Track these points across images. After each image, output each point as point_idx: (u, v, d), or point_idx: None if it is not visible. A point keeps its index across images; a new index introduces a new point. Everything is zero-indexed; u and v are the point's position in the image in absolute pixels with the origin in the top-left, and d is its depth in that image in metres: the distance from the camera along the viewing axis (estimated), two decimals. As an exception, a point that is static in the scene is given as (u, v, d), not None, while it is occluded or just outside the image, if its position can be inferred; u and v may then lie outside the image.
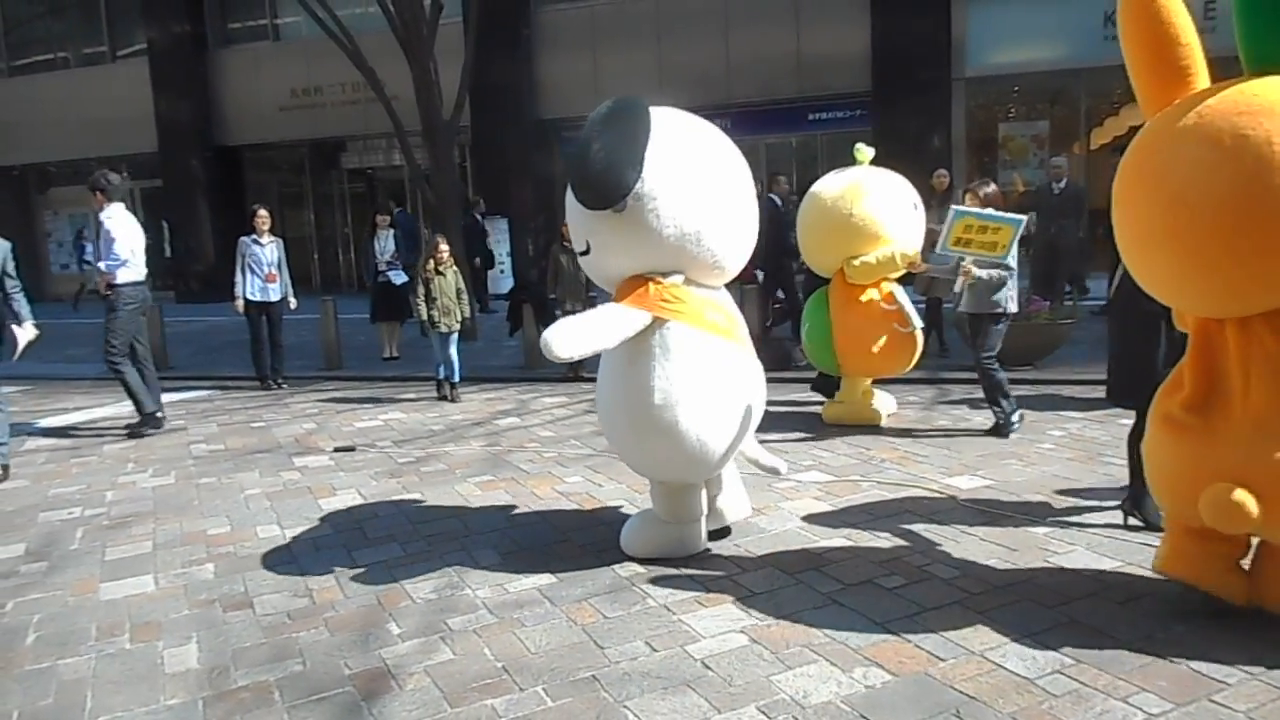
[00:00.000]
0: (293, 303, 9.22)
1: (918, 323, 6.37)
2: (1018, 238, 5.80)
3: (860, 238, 6.20)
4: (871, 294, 6.33)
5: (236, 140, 20.08)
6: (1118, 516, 4.40)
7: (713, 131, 4.14)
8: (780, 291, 9.99)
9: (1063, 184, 10.86)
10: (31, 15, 22.44)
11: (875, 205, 6.20)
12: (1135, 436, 4.07)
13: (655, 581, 3.94)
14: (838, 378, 6.78)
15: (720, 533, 4.41)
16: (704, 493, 4.23)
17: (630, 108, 3.88)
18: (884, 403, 6.79)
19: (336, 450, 6.60)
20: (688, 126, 4.10)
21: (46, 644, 3.65)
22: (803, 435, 6.41)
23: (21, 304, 6.44)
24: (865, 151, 6.55)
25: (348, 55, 11.63)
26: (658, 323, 3.85)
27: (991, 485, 5.05)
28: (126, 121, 19.87)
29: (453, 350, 8.26)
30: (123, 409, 8.57)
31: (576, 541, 4.49)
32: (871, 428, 6.51)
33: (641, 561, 4.16)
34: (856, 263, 6.22)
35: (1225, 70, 3.43)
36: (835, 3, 15.59)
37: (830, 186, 6.45)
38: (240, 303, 9.01)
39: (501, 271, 15.95)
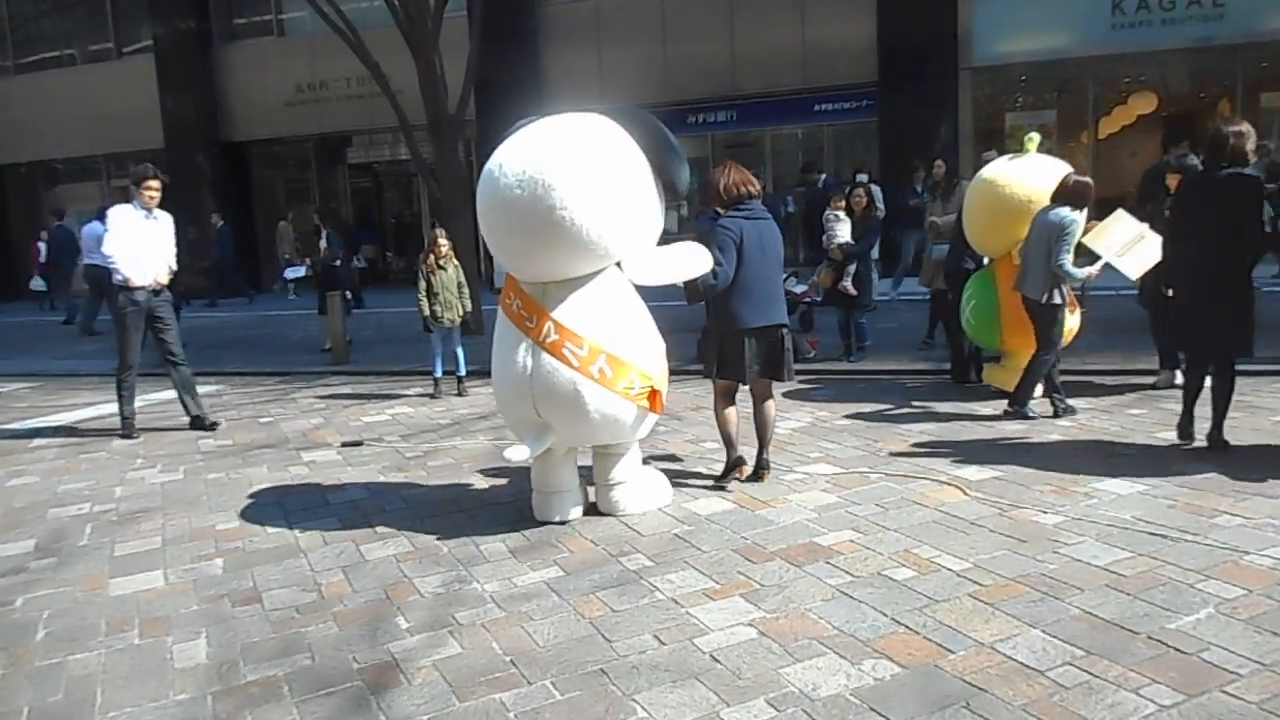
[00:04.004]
0: None
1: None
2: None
3: None
4: None
5: (242, 136, 20.11)
6: (1127, 506, 4.39)
7: (528, 142, 4.40)
8: None
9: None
10: (38, 12, 22.46)
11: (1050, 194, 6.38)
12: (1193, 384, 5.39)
13: (663, 575, 3.94)
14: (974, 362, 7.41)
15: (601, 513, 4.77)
16: (560, 472, 4.67)
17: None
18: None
19: (344, 445, 6.61)
20: (515, 138, 4.50)
21: (56, 640, 3.66)
22: (810, 426, 6.40)
23: None
24: (1035, 139, 6.81)
25: (353, 50, 11.61)
26: None
27: (1000, 476, 5.03)
28: (133, 118, 19.89)
29: (457, 345, 8.26)
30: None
31: (584, 535, 4.49)
32: (881, 421, 6.50)
33: (649, 555, 4.16)
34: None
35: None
36: (840, -7, 15.53)
37: (1006, 174, 6.71)
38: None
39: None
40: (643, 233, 4.58)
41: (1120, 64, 14.89)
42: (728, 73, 16.17)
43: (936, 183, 9.31)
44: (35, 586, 4.24)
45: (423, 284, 8.06)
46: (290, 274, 11.34)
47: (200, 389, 7.61)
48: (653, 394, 4.54)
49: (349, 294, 11.10)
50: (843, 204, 8.82)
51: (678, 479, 5.23)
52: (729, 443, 5.16)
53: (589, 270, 4.44)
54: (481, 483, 5.52)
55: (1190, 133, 10.39)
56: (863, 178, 12.01)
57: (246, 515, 5.12)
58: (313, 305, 11.47)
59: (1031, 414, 6.21)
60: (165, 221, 7.26)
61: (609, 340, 4.41)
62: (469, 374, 8.37)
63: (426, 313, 8.06)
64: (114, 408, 7.75)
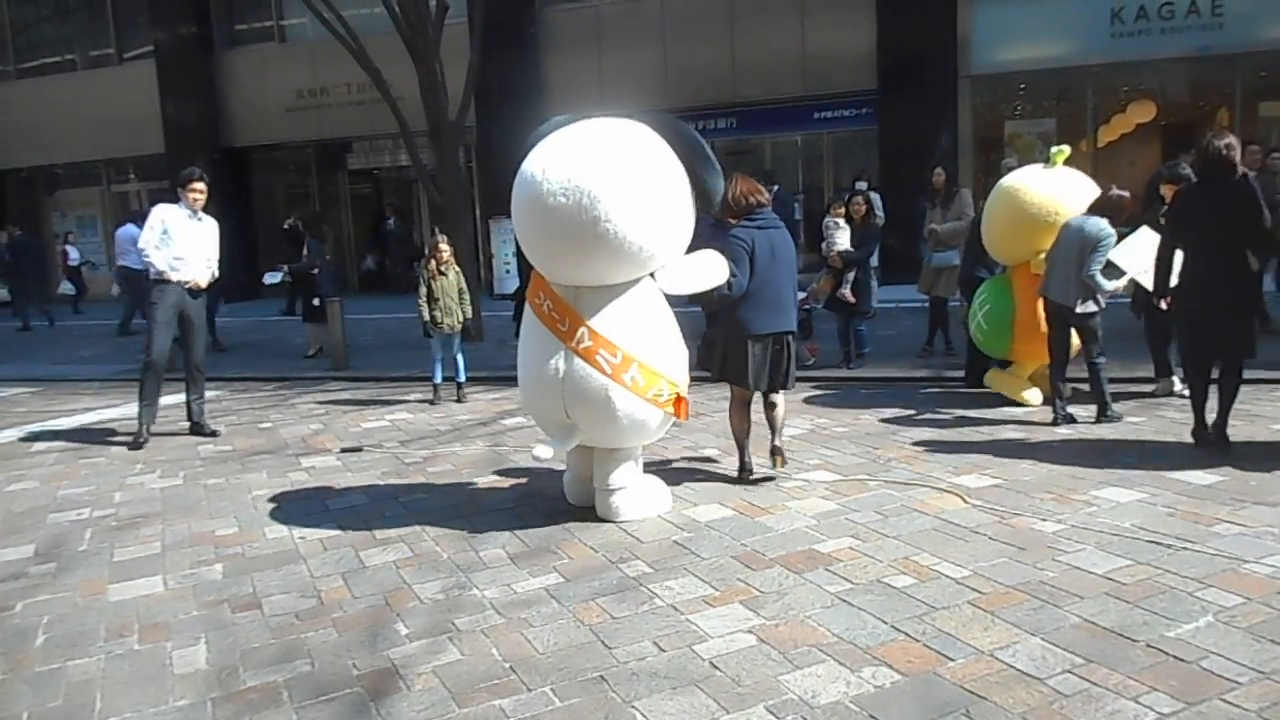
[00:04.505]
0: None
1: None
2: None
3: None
4: None
5: (243, 141, 20.11)
6: (1126, 514, 4.39)
7: (572, 148, 4.40)
8: None
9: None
10: (39, 18, 22.50)
11: (1077, 207, 6.41)
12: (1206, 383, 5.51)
13: (663, 581, 3.94)
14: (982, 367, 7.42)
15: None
16: (576, 458, 4.88)
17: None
18: (1034, 394, 6.92)
19: (343, 451, 6.61)
20: (554, 141, 4.50)
21: (56, 645, 3.66)
22: (810, 433, 6.40)
23: None
24: (1064, 152, 6.83)
25: (353, 56, 11.64)
26: None
27: (1000, 484, 5.04)
28: (133, 123, 19.89)
29: (457, 351, 8.26)
30: (130, 410, 8.59)
31: (584, 541, 4.49)
32: (881, 428, 6.50)
33: (649, 561, 4.17)
34: (1044, 256, 6.46)
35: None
36: (841, 1, 15.55)
37: (1033, 185, 6.75)
38: None
39: (508, 271, 15.98)
40: (679, 243, 4.66)
41: (1119, 73, 14.92)
42: (728, 80, 16.19)
43: (936, 191, 9.31)
44: (35, 592, 4.24)
45: (423, 289, 8.06)
46: (269, 279, 11.39)
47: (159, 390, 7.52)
48: (678, 400, 4.67)
49: (317, 301, 11.12)
50: (842, 211, 8.83)
51: (676, 485, 5.24)
52: (740, 450, 5.36)
53: (626, 278, 4.52)
54: (481, 489, 5.52)
55: (1195, 142, 10.42)
56: (862, 185, 12.02)
57: (246, 521, 5.12)
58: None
59: (1118, 415, 6.22)
60: (209, 224, 7.24)
61: (641, 349, 4.50)
62: (468, 380, 8.37)
63: (427, 318, 8.07)
64: (113, 413, 7.77)
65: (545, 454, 4.58)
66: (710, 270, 4.82)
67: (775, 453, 5.32)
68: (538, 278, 4.70)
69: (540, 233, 4.44)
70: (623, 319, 4.49)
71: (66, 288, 19.24)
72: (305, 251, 11.35)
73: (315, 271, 11.18)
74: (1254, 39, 13.79)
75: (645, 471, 5.01)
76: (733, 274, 4.90)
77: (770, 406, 5.32)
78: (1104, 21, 14.27)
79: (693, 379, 4.97)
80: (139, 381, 7.20)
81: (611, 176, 4.26)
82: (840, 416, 6.86)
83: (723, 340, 5.19)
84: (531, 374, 4.68)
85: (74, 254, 19.57)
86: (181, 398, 7.54)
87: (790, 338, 5.18)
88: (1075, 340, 6.47)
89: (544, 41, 17.20)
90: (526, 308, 4.81)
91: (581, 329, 4.45)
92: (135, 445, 7.03)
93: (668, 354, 4.64)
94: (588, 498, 4.92)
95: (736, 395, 5.31)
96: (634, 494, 4.80)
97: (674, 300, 4.72)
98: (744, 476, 5.32)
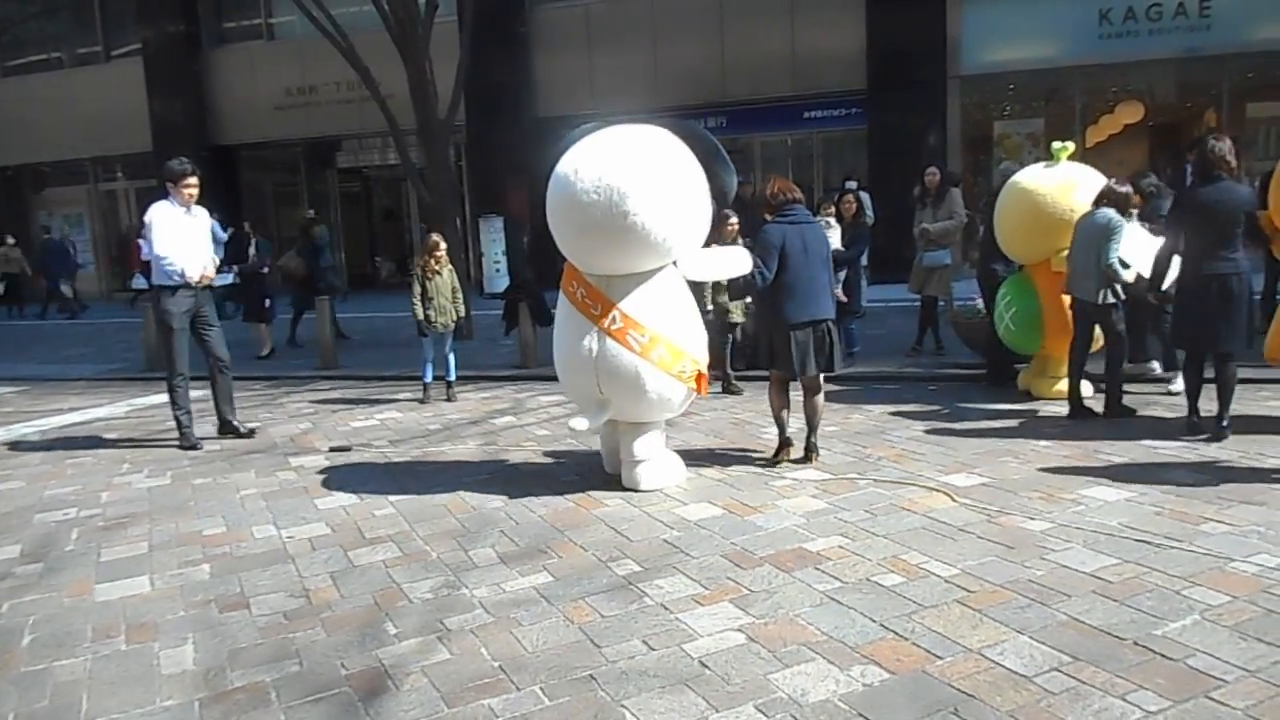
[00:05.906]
0: None
1: None
2: None
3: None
4: None
5: (231, 140, 20.01)
6: (1114, 513, 4.41)
7: (602, 151, 4.85)
8: None
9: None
10: (25, 15, 22.36)
11: (1088, 201, 6.46)
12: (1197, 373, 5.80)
13: (652, 580, 3.94)
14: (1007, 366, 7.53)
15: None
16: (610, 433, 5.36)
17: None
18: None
19: (332, 450, 6.59)
20: (586, 146, 4.94)
21: (42, 645, 3.64)
22: (799, 432, 6.38)
23: None
24: (1069, 148, 6.93)
25: (342, 54, 11.60)
26: None
27: (988, 482, 5.05)
28: (121, 121, 19.78)
29: (449, 349, 8.24)
30: (117, 409, 8.56)
31: (574, 541, 4.49)
32: (870, 427, 6.52)
33: (639, 560, 4.17)
34: (1064, 254, 6.52)
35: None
36: (830, 0, 15.58)
37: (1045, 183, 6.84)
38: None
39: (498, 270, 15.96)
40: (698, 235, 5.15)
41: (1107, 73, 14.98)
42: (717, 79, 16.19)
43: (927, 190, 9.33)
44: (21, 592, 4.21)
45: (417, 288, 8.02)
46: (219, 281, 11.47)
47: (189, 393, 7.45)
48: (699, 376, 5.14)
49: (268, 301, 11.15)
50: (832, 210, 8.85)
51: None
52: (780, 428, 5.71)
53: (651, 266, 4.97)
54: (471, 488, 5.51)
55: (1198, 144, 10.52)
56: (852, 185, 12.04)
57: (234, 521, 5.10)
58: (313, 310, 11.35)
59: (1133, 410, 6.31)
60: (202, 217, 7.09)
61: (667, 328, 4.99)
62: (458, 379, 8.35)
63: (420, 317, 8.04)
64: (100, 412, 7.71)
65: (580, 425, 5.01)
66: (732, 261, 5.37)
67: (810, 449, 5.63)
68: (571, 269, 5.14)
69: (574, 228, 4.90)
70: (650, 302, 4.96)
71: (139, 282, 18.97)
72: (254, 251, 11.39)
73: (265, 271, 11.25)
74: (1241, 40, 13.87)
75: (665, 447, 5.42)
76: (758, 268, 5.25)
77: (810, 398, 5.62)
78: (1092, 22, 14.33)
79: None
80: (169, 392, 6.90)
81: (638, 175, 4.72)
82: (830, 415, 6.83)
83: (766, 332, 5.58)
84: (567, 355, 5.12)
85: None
86: (165, 398, 7.46)
87: (830, 324, 5.47)
88: (1097, 336, 6.51)
89: (534, 40, 17.17)
90: (560, 296, 5.23)
91: (613, 312, 4.91)
92: (190, 446, 6.82)
93: (689, 334, 5.13)
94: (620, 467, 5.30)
95: (775, 377, 5.64)
96: (655, 466, 5.25)
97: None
98: (782, 455, 5.65)
